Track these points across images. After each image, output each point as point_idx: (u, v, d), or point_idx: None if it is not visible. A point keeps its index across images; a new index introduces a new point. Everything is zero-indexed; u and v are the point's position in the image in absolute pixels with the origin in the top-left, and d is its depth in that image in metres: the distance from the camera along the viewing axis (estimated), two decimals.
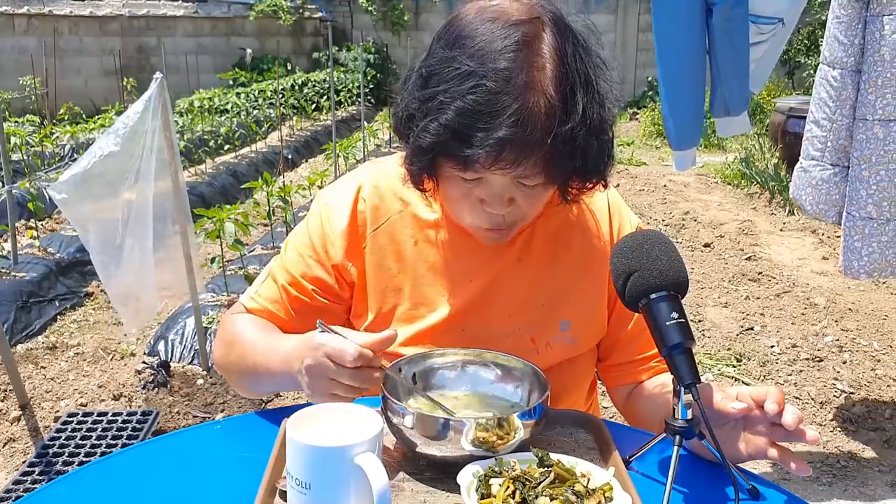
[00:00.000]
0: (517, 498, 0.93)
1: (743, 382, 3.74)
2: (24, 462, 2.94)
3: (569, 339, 1.31)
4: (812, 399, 3.55)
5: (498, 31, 1.06)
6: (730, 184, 7.94)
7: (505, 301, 1.29)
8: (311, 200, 6.57)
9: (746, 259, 5.55)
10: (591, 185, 1.18)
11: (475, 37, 1.07)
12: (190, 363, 3.73)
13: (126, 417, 3.16)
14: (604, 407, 1.48)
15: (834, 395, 3.58)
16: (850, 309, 4.60)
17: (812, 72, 11.36)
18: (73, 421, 3.15)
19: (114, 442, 2.99)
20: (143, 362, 3.68)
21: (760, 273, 5.21)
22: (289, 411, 1.04)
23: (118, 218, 3.25)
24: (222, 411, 3.35)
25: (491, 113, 1.03)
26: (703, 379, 1.03)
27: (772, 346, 4.09)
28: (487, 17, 1.09)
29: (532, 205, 1.17)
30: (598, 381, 1.50)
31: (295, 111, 12.01)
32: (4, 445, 3.16)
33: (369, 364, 1.05)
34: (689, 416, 1.00)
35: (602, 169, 1.15)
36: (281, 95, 11.03)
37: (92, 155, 3.09)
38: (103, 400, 3.47)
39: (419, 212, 1.30)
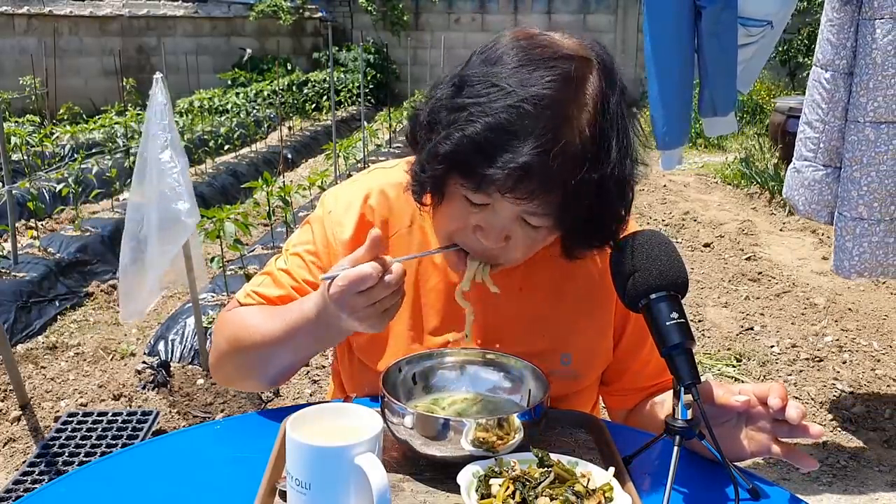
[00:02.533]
0: (517, 498, 0.93)
1: (743, 382, 3.74)
2: (24, 462, 2.94)
3: (570, 373, 1.26)
4: (812, 399, 3.55)
5: (545, 59, 1.01)
6: (730, 184, 7.94)
7: (506, 330, 1.24)
8: (312, 200, 6.59)
9: (746, 259, 5.55)
10: (596, 244, 1.11)
11: (519, 58, 1.02)
12: (190, 363, 3.72)
13: (126, 417, 3.16)
14: (603, 407, 1.48)
15: (834, 395, 3.58)
16: (850, 309, 4.60)
17: None
18: (73, 421, 3.15)
19: (114, 442, 2.99)
20: (143, 362, 3.68)
21: (760, 273, 5.21)
22: (289, 411, 1.04)
23: (144, 223, 3.27)
24: (222, 411, 3.35)
25: (521, 135, 0.97)
26: (702, 379, 1.03)
27: (772, 346, 4.09)
28: (536, 43, 1.04)
29: (526, 247, 1.11)
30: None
31: (295, 111, 12.02)
32: (4, 445, 3.16)
33: (385, 269, 1.02)
34: (689, 416, 1.00)
35: (614, 230, 1.09)
36: (280, 95, 11.03)
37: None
38: (103, 400, 3.46)
39: (427, 229, 1.25)
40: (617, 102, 1.04)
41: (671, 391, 1.02)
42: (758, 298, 4.80)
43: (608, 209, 1.05)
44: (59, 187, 5.99)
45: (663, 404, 1.28)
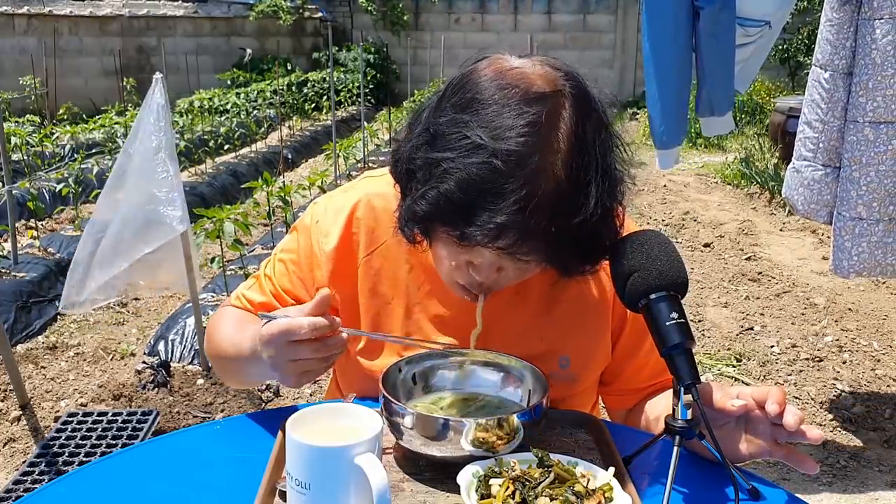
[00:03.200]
0: (517, 498, 0.93)
1: (743, 382, 3.74)
2: (24, 462, 2.94)
3: (569, 376, 1.26)
4: (812, 399, 3.55)
5: (515, 102, 0.98)
6: (730, 184, 7.95)
7: (501, 335, 1.23)
8: (312, 200, 6.59)
9: (746, 259, 5.55)
10: (590, 267, 1.10)
11: (490, 104, 0.99)
12: (190, 363, 3.73)
13: (126, 417, 3.16)
14: (603, 407, 1.48)
15: (834, 395, 3.58)
16: (850, 309, 4.60)
17: None
18: (73, 421, 3.15)
19: (114, 442, 2.99)
20: (143, 362, 3.68)
21: (760, 273, 5.21)
22: (289, 411, 1.04)
23: (113, 217, 3.25)
24: (222, 411, 3.35)
25: (495, 193, 0.96)
26: (702, 379, 1.02)
27: (772, 346, 4.09)
28: (506, 82, 1.01)
29: (519, 275, 1.12)
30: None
31: (295, 111, 12.02)
32: (4, 445, 3.16)
33: (324, 331, 1.03)
34: (689, 417, 1.00)
35: (604, 252, 1.08)
36: (280, 95, 11.03)
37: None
38: (103, 400, 3.47)
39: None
40: (594, 133, 1.02)
41: (670, 392, 1.02)
42: (758, 298, 4.80)
43: (595, 239, 1.05)
44: (59, 187, 6.00)
45: (659, 419, 1.28)
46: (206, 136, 8.65)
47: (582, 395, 1.32)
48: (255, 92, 11.84)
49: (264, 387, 3.56)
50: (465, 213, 0.99)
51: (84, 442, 2.98)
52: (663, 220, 6.60)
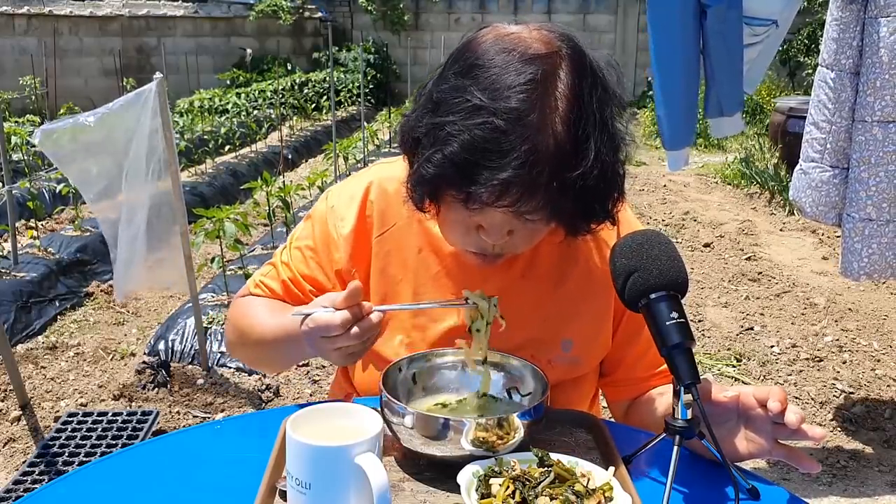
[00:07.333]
0: (517, 498, 0.93)
1: (743, 382, 3.74)
2: (24, 462, 2.94)
3: (571, 359, 1.28)
4: (812, 399, 3.55)
5: (513, 64, 1.02)
6: (730, 184, 7.94)
7: (507, 317, 1.24)
8: (312, 201, 6.55)
9: (746, 259, 5.55)
10: (596, 224, 1.13)
11: (489, 68, 1.03)
12: (190, 363, 3.72)
13: (126, 417, 3.16)
14: (603, 407, 1.48)
15: (834, 395, 3.58)
16: (850, 309, 4.60)
17: (812, 72, 11.36)
18: (73, 421, 3.15)
19: (114, 442, 2.99)
20: (143, 362, 3.68)
21: (760, 273, 5.21)
22: (289, 411, 1.04)
23: (117, 217, 3.26)
24: (222, 411, 3.35)
25: (497, 152, 1.00)
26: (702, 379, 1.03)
27: (772, 346, 4.09)
28: (504, 46, 1.05)
29: (529, 237, 1.14)
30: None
31: (295, 111, 12.02)
32: (4, 445, 3.16)
33: (357, 319, 1.07)
34: (689, 416, 1.00)
35: (610, 209, 1.11)
36: (281, 95, 11.03)
37: (71, 121, 3.20)
38: (103, 400, 3.47)
39: (424, 221, 1.28)
40: (590, 93, 1.05)
41: (670, 389, 1.02)
42: (758, 298, 4.80)
43: (599, 194, 1.07)
44: (59, 187, 5.99)
45: (654, 413, 1.28)
46: (206, 136, 8.64)
47: (582, 381, 1.33)
48: (256, 92, 11.83)
49: (264, 387, 3.56)
50: (469, 173, 1.02)
51: (84, 442, 2.98)
52: (663, 220, 6.60)
